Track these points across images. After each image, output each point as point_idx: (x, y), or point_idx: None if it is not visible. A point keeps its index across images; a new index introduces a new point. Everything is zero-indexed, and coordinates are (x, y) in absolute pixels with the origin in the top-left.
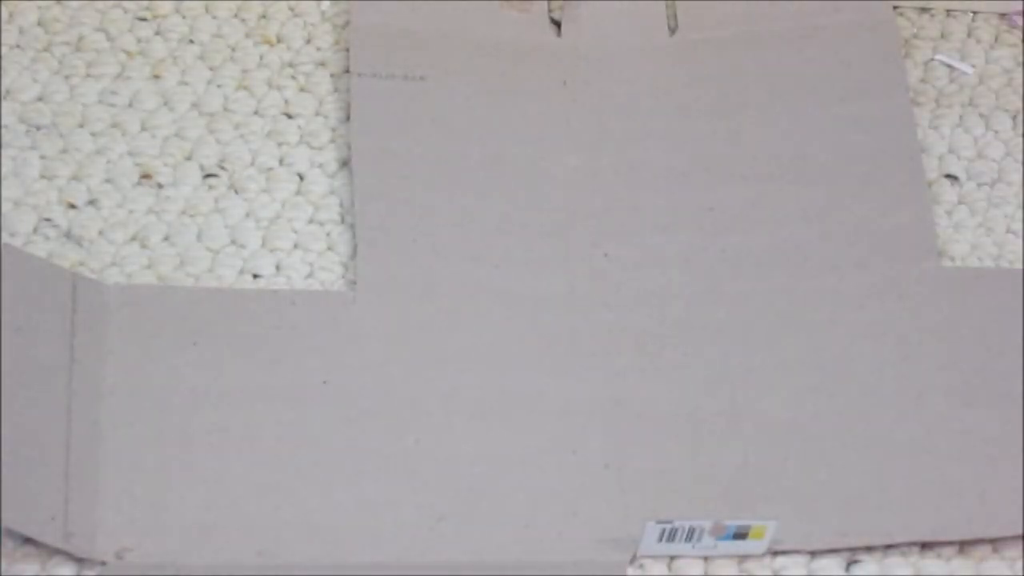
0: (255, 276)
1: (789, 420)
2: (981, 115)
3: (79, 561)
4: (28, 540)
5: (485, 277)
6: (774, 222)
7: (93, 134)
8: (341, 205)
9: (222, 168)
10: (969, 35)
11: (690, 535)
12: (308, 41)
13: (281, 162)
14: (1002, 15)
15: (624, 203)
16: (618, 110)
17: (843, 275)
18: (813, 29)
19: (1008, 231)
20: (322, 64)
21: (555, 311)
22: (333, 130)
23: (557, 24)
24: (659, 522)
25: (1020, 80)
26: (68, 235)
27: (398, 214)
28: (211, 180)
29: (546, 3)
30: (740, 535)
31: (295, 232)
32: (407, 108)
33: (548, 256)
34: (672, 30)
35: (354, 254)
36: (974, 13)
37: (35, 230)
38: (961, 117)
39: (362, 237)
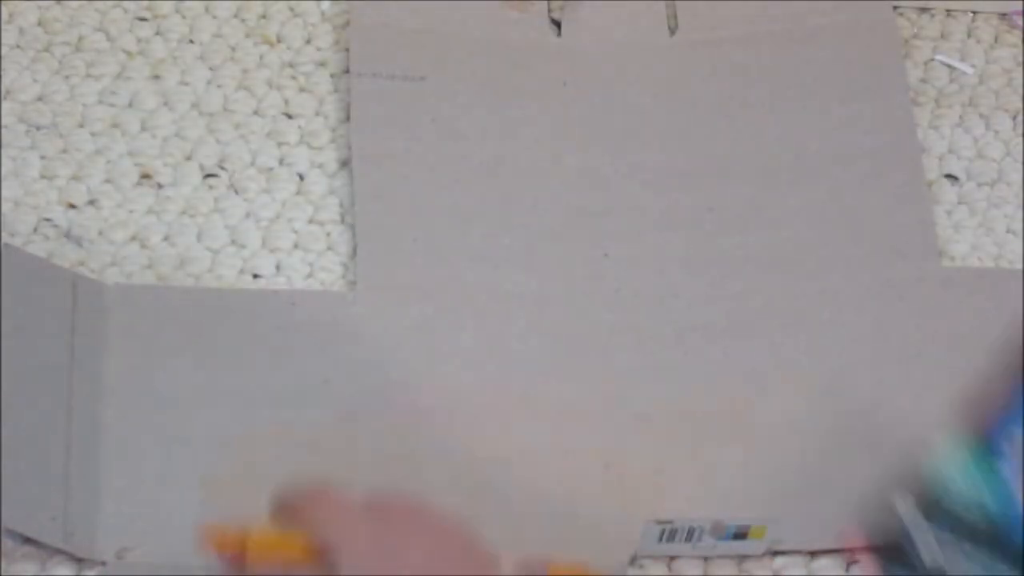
0: (255, 276)
1: (789, 420)
2: (981, 115)
3: (79, 561)
4: (28, 540)
5: (485, 277)
6: (774, 222)
7: (93, 134)
8: (341, 205)
9: (222, 168)
10: (969, 35)
11: (690, 535)
12: (308, 41)
13: (281, 162)
14: (1002, 15)
15: (624, 203)
16: (618, 110)
17: (843, 275)
18: (813, 29)
19: (1008, 231)
20: (322, 64)
21: (555, 311)
22: (333, 130)
23: (557, 24)
24: (659, 522)
25: (1020, 80)
26: (68, 235)
27: (398, 214)
28: (211, 180)
29: (546, 3)
30: (740, 535)
31: (295, 232)
32: (407, 108)
33: (548, 256)
34: (672, 30)
35: (354, 254)
36: (974, 13)
37: (35, 230)
38: (961, 117)
39: (362, 237)
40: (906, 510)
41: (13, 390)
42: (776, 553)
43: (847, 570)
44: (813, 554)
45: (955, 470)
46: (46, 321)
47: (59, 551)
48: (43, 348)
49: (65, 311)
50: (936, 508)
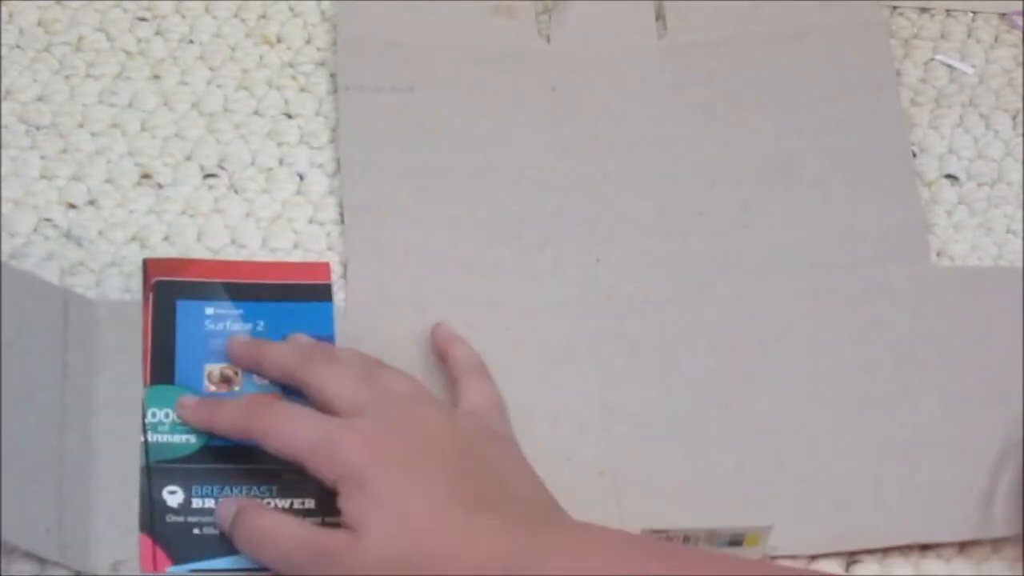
0: None
1: (784, 424)
2: (981, 115)
3: None
4: None
5: (477, 287)
6: (765, 225)
7: (93, 134)
8: (341, 205)
9: (222, 168)
10: (969, 35)
11: (685, 542)
12: (308, 41)
13: (281, 162)
14: (1002, 15)
15: (615, 208)
16: (607, 115)
17: (836, 277)
18: (803, 30)
19: (1008, 231)
20: (322, 64)
21: (547, 318)
22: (333, 130)
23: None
24: (655, 531)
25: (1020, 80)
26: (68, 235)
27: (388, 226)
28: (211, 180)
29: (533, 8)
30: (735, 541)
31: (295, 232)
32: (396, 120)
33: (540, 264)
34: (661, 33)
35: (344, 271)
36: (974, 13)
37: (35, 230)
38: (961, 117)
39: (352, 250)
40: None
41: (6, 406)
42: (774, 557)
43: (847, 570)
44: (813, 556)
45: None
46: (38, 338)
47: None
48: (35, 364)
49: (57, 328)
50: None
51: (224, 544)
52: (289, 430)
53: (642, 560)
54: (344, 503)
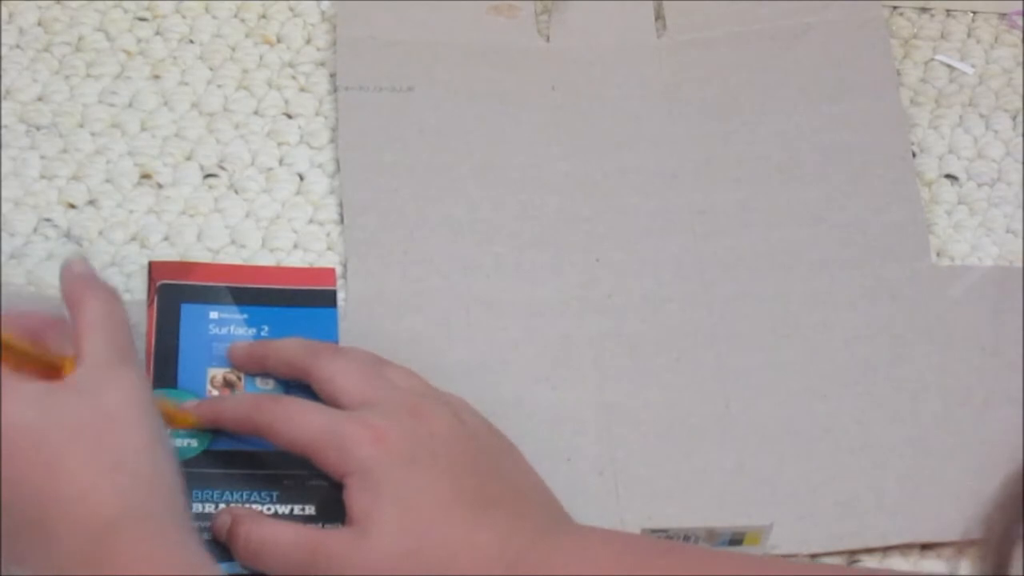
0: None
1: (783, 423)
2: (981, 115)
3: None
4: None
5: (476, 286)
6: (765, 224)
7: (93, 134)
8: (341, 205)
9: (222, 168)
10: (969, 35)
11: (685, 541)
12: (308, 41)
13: (281, 162)
14: (1002, 15)
15: (615, 207)
16: (607, 113)
17: (836, 276)
18: (803, 28)
19: (1008, 231)
20: (322, 64)
21: (547, 318)
22: (333, 130)
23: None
24: (654, 530)
25: (1020, 80)
26: (68, 235)
27: (388, 226)
28: (211, 180)
29: (532, 7)
30: (735, 540)
31: (295, 232)
32: (395, 119)
33: (540, 263)
34: (660, 31)
35: (344, 271)
36: (974, 13)
37: (35, 230)
38: (961, 117)
39: (352, 250)
40: None
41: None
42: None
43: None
44: (813, 555)
45: None
46: None
47: None
48: None
49: None
50: None
51: (222, 550)
52: (297, 423)
53: (646, 559)
54: (351, 498)
